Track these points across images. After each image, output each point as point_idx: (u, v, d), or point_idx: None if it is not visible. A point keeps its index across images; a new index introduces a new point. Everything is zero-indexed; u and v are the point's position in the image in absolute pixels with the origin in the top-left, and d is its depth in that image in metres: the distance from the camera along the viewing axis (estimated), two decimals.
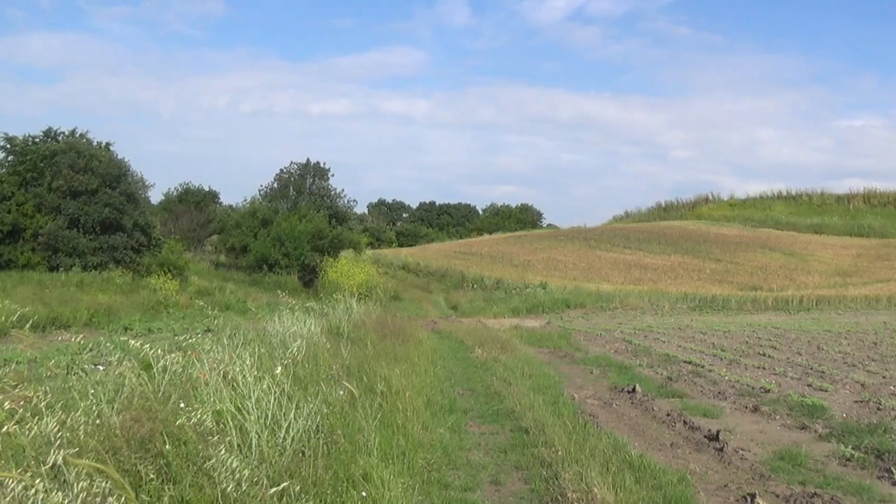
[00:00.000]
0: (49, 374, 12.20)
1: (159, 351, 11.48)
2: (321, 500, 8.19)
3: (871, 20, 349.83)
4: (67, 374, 11.25)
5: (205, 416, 9.30)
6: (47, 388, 9.60)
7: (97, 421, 8.31)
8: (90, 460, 6.99)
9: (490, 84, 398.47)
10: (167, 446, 8.01)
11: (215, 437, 8.60)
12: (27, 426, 8.00)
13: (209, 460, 8.06)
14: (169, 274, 54.62)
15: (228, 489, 7.78)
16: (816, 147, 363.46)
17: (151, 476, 7.62)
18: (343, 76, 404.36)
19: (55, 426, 7.94)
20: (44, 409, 8.38)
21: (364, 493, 8.83)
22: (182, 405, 9.23)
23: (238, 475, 7.98)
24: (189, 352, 12.49)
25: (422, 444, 12.78)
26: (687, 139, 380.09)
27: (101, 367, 12.90)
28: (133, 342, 12.53)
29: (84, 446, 7.54)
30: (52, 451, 7.22)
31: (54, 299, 43.91)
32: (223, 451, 8.23)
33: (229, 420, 9.17)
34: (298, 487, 8.19)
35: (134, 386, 9.86)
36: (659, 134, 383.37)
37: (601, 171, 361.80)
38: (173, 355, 11.40)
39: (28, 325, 12.50)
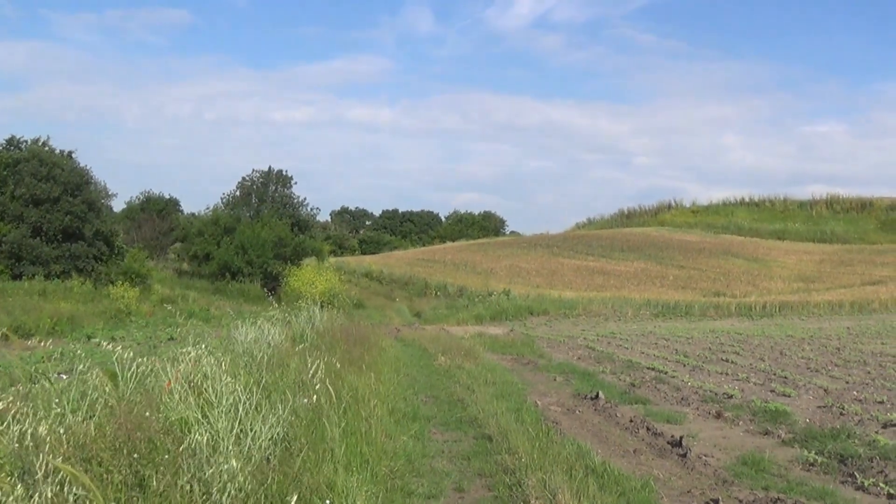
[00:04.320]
0: (11, 383, 12.15)
1: (129, 354, 11.46)
2: None
3: (834, 26, 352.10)
4: (31, 382, 11.20)
5: (172, 425, 9.31)
6: (11, 396, 9.56)
7: (61, 430, 8.28)
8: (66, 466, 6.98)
9: (454, 92, 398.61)
10: (136, 454, 7.99)
11: (183, 445, 8.60)
12: None
13: (183, 469, 8.08)
14: (132, 282, 54.43)
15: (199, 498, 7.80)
16: (780, 153, 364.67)
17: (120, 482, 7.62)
18: (307, 84, 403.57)
19: (25, 433, 7.93)
20: (10, 419, 8.35)
21: (328, 502, 8.82)
22: (147, 413, 9.21)
23: (224, 485, 8.02)
24: (154, 359, 12.46)
25: (385, 452, 12.81)
26: (651, 146, 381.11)
27: (64, 376, 12.85)
28: (105, 344, 12.50)
29: (55, 454, 7.51)
30: (32, 458, 7.23)
31: (17, 308, 43.79)
32: (205, 461, 8.26)
33: (196, 428, 9.16)
34: (264, 496, 8.19)
35: (99, 394, 9.83)
36: (623, 141, 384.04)
37: (565, 178, 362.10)
38: (138, 361, 11.37)
39: None
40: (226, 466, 8.32)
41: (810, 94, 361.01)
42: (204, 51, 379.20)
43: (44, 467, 7.16)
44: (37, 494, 6.88)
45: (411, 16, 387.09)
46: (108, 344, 12.29)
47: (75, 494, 6.99)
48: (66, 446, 7.85)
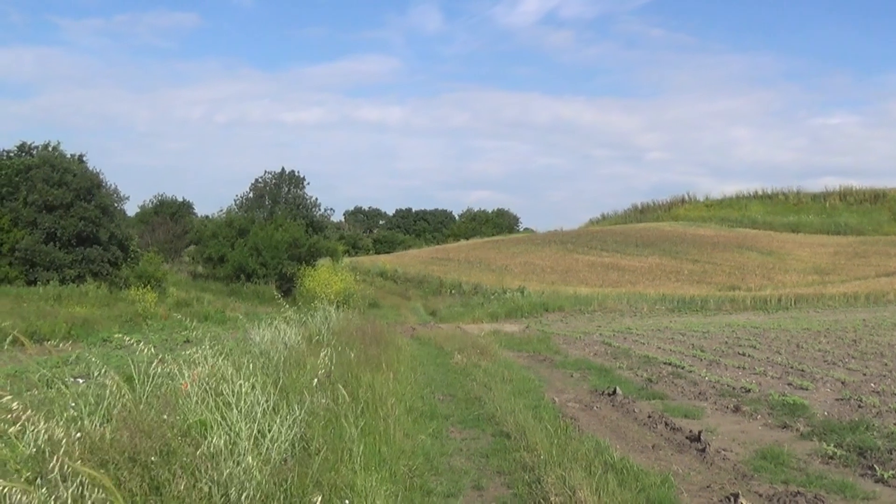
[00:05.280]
0: (28, 387, 12.14)
1: (148, 351, 11.48)
2: None
3: (843, 18, 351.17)
4: (48, 387, 11.19)
5: (189, 428, 9.30)
6: (27, 401, 9.55)
7: (78, 434, 8.26)
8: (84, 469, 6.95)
9: (464, 90, 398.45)
10: (153, 458, 7.98)
11: (200, 448, 8.57)
12: (7, 439, 7.99)
13: (201, 472, 8.05)
14: (147, 286, 54.50)
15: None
16: (792, 146, 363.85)
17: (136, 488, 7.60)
18: (316, 85, 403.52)
19: (42, 438, 7.92)
20: (26, 423, 8.34)
21: (347, 502, 8.81)
22: (164, 416, 9.20)
23: (242, 487, 8.01)
24: (171, 362, 12.44)
25: (404, 451, 12.79)
26: (662, 141, 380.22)
27: (80, 381, 12.84)
28: (127, 340, 12.51)
29: (71, 458, 7.48)
30: (50, 462, 7.21)
31: (32, 313, 43.81)
32: (223, 464, 8.25)
33: (214, 430, 9.13)
34: (283, 497, 8.17)
35: (116, 398, 9.81)
36: (634, 136, 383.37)
37: (577, 174, 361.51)
38: (154, 363, 11.37)
39: (9, 339, 12.34)
40: (244, 468, 8.30)
41: (820, 87, 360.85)
42: (212, 53, 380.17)
43: (58, 469, 7.14)
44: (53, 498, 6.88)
45: (419, 15, 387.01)
46: (128, 341, 12.26)
47: (93, 500, 6.96)
48: (81, 451, 7.83)
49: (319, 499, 7.88)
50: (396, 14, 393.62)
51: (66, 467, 7.10)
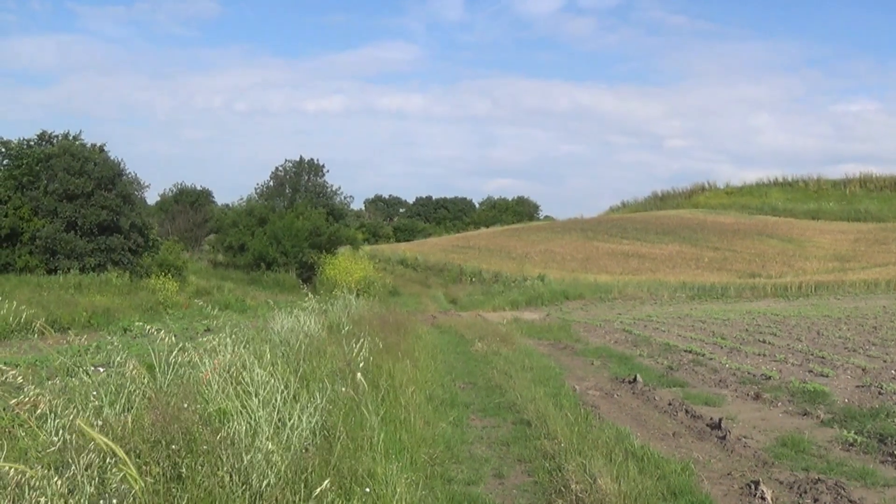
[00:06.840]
0: (49, 376, 12.19)
1: (170, 339, 11.54)
2: (325, 498, 8.17)
3: (864, 3, 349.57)
4: (69, 375, 11.23)
5: (210, 416, 9.34)
6: (49, 390, 9.58)
7: (100, 423, 8.30)
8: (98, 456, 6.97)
9: (485, 77, 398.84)
10: (174, 446, 8.01)
11: (220, 435, 8.61)
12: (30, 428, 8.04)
13: (222, 460, 8.08)
14: (168, 274, 54.53)
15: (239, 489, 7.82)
16: (813, 133, 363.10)
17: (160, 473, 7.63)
18: (337, 73, 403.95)
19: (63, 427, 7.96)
20: (48, 412, 8.38)
21: (368, 490, 8.83)
22: (185, 405, 9.23)
23: (263, 474, 8.04)
24: (191, 350, 12.48)
25: (424, 439, 12.81)
26: (683, 128, 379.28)
27: (101, 369, 12.89)
28: (150, 328, 12.58)
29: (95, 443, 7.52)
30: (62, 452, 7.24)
31: (52, 302, 43.84)
32: (244, 452, 8.28)
33: (235, 418, 9.17)
34: (303, 485, 8.19)
35: (137, 386, 9.86)
36: (655, 123, 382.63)
37: (597, 161, 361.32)
38: (176, 352, 11.42)
39: (36, 327, 12.41)
40: (265, 456, 8.33)
41: (842, 73, 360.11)
42: (233, 41, 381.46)
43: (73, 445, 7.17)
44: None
45: (439, 2, 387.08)
46: (151, 329, 12.32)
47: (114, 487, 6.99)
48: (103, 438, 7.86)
49: (337, 487, 7.91)
50: (417, 1, 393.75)
51: (81, 425, 7.12)
